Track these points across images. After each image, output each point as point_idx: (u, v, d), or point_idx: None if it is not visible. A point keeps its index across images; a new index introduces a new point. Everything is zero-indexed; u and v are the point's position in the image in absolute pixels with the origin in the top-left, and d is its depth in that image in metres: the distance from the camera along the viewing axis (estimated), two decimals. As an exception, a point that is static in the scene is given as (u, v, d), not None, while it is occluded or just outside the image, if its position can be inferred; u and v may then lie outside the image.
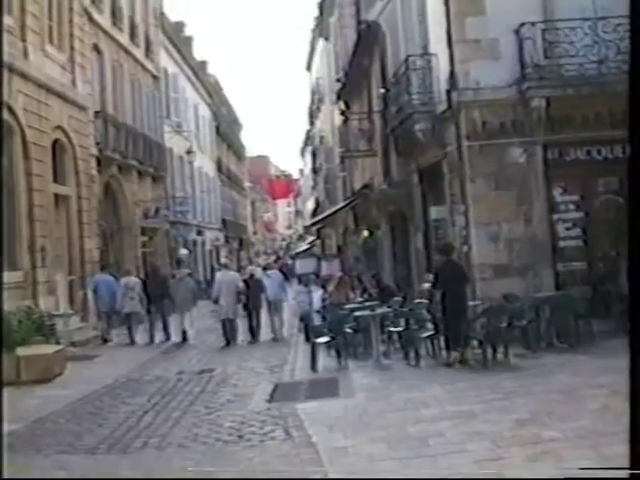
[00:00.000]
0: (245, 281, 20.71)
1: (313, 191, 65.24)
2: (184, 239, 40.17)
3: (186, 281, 21.72)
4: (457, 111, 16.40)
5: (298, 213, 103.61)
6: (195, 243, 44.41)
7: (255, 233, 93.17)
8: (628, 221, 5.13)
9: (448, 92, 16.62)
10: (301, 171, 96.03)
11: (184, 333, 20.82)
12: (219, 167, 57.09)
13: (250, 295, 20.25)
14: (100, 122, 26.03)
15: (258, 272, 22.74)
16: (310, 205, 69.12)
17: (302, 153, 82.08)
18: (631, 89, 5.14)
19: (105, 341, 20.83)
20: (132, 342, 20.75)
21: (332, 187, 43.82)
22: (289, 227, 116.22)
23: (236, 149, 72.61)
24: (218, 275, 21.58)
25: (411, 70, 18.19)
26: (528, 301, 14.75)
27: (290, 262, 52.75)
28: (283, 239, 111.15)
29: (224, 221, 57.09)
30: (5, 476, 6.29)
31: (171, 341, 20.84)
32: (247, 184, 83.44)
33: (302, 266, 42.45)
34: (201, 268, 45.34)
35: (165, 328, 21.14)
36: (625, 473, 5.10)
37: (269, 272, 22.12)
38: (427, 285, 15.17)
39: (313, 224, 51.80)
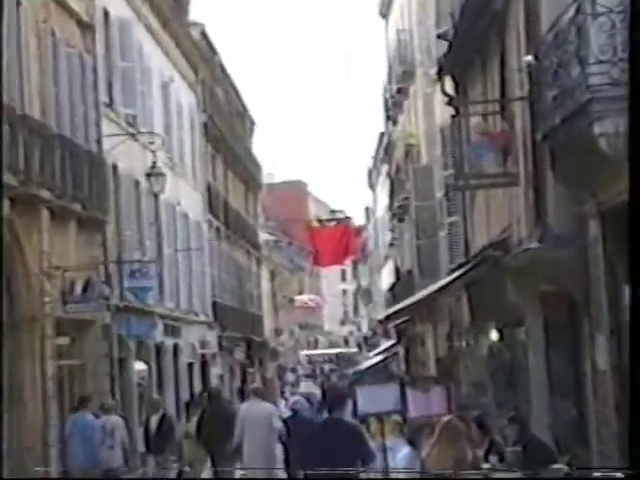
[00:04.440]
0: (285, 421, 23.38)
1: (391, 250, 65.36)
2: (139, 342, 40.23)
3: None
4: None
5: (362, 292, 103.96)
6: (160, 351, 44.60)
7: (278, 332, 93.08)
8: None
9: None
10: (368, 211, 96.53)
11: None
12: (210, 203, 57.41)
13: (293, 444, 22.13)
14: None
15: (305, 405, 25.95)
16: (385, 277, 69.25)
17: (370, 178, 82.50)
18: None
19: None
20: None
21: (429, 244, 43.93)
22: (344, 322, 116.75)
23: (243, 169, 72.99)
24: (243, 408, 24.98)
25: (586, 17, 18.14)
26: None
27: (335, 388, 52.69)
28: (331, 343, 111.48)
29: (216, 307, 57.18)
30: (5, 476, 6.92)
31: None
32: (264, 236, 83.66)
33: (369, 397, 42.33)
34: (172, 400, 45.40)
35: None
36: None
37: None
38: None
39: (390, 316, 51.72)
